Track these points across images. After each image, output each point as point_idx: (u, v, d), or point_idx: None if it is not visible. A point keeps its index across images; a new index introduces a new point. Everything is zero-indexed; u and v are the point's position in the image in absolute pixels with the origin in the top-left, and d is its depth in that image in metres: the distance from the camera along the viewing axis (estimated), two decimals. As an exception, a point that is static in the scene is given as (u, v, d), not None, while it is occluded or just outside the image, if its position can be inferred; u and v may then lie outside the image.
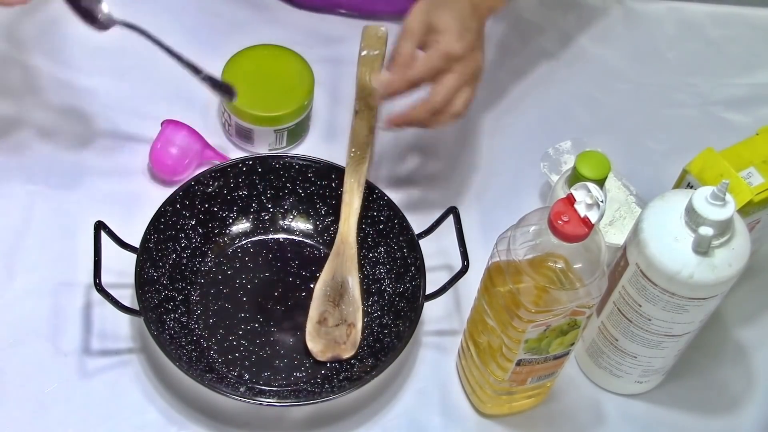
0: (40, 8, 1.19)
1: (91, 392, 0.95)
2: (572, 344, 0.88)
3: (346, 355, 0.97)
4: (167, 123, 1.07)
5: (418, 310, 0.96)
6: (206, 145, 1.07)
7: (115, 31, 1.19)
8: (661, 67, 1.25)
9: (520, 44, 1.23)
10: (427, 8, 0.97)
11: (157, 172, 1.07)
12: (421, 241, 1.00)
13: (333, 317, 0.98)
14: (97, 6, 0.99)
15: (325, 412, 0.96)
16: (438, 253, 1.03)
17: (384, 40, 1.04)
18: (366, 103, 1.04)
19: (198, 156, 1.07)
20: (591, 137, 1.12)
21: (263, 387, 0.96)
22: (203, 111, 1.13)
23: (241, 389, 0.94)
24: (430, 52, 0.95)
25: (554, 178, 1.07)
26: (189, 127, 1.07)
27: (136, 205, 1.05)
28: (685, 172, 0.96)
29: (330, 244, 1.03)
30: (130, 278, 0.96)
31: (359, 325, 0.98)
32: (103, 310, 0.97)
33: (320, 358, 0.97)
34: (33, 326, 0.98)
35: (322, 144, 1.12)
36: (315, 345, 0.97)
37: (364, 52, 1.03)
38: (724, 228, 0.83)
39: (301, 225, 1.05)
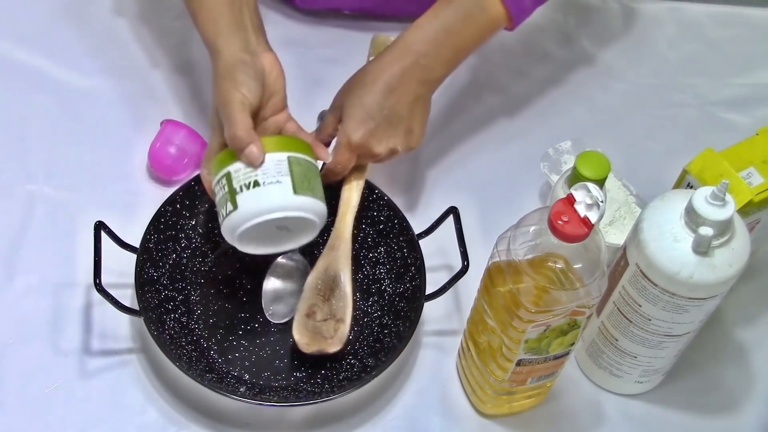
0: (40, 8, 1.20)
1: (91, 392, 0.95)
2: (572, 344, 0.88)
3: (332, 350, 0.97)
4: (166, 123, 1.07)
5: (418, 310, 0.96)
6: (205, 144, 1.07)
7: (116, 32, 1.20)
8: (661, 67, 1.25)
9: (521, 45, 1.23)
10: (342, 90, 0.99)
11: (156, 171, 1.07)
12: (421, 241, 1.00)
13: (322, 311, 0.98)
14: None
15: (325, 412, 0.96)
16: (438, 253, 1.04)
17: None
18: None
19: (197, 156, 1.07)
20: (591, 137, 1.12)
21: (263, 387, 0.96)
22: (203, 111, 1.13)
23: (241, 389, 0.94)
24: (336, 143, 0.98)
25: (554, 178, 1.08)
26: (188, 127, 1.07)
27: (136, 205, 1.05)
28: (685, 172, 0.96)
29: (330, 243, 1.03)
30: (130, 278, 0.96)
31: (348, 321, 0.98)
32: (103, 310, 0.97)
33: (305, 350, 0.97)
34: (33, 326, 0.98)
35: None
36: (301, 337, 0.97)
37: (372, 59, 1.03)
38: (724, 228, 0.83)
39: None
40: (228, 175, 0.89)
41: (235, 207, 0.88)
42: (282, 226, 0.91)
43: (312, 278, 0.99)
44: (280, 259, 1.02)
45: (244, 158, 0.88)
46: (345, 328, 0.97)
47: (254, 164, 0.88)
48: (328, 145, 1.00)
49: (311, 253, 1.03)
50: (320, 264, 1.00)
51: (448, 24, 0.99)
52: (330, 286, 0.99)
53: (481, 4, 0.99)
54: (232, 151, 0.89)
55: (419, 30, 0.99)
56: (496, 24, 1.01)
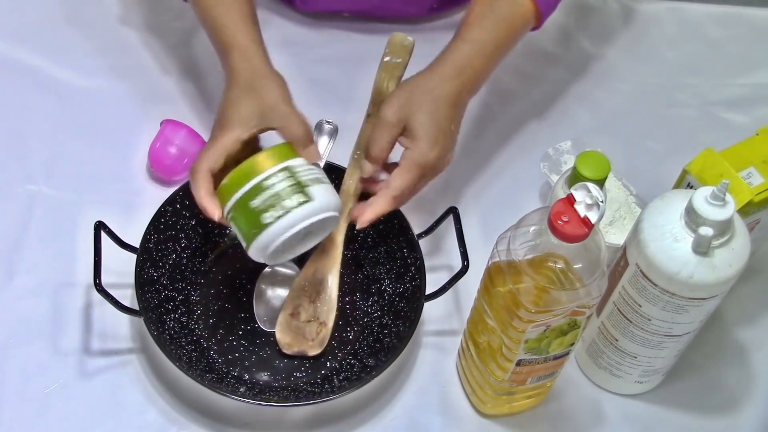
0: (40, 8, 1.20)
1: (91, 392, 0.95)
2: (572, 344, 0.88)
3: (312, 353, 0.97)
4: (166, 123, 1.07)
5: (418, 310, 0.96)
6: (205, 144, 1.07)
7: (116, 32, 1.20)
8: (661, 67, 1.25)
9: (521, 44, 1.23)
10: (404, 102, 0.94)
11: (156, 171, 1.07)
12: (421, 241, 1.00)
13: (306, 312, 0.98)
14: None
15: (325, 412, 0.96)
16: (438, 253, 1.04)
17: (409, 50, 1.04)
18: (379, 109, 1.04)
19: (197, 156, 1.07)
20: (591, 137, 1.12)
21: (263, 387, 0.96)
22: (203, 111, 1.13)
23: (241, 389, 0.94)
24: (404, 164, 0.93)
25: (554, 178, 1.07)
26: (188, 127, 1.07)
27: (136, 205, 1.05)
28: (685, 172, 0.96)
29: (330, 244, 1.03)
30: (130, 278, 0.96)
31: (330, 325, 0.98)
32: (103, 310, 0.97)
33: (286, 350, 0.97)
34: (33, 326, 0.98)
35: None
36: (283, 337, 0.98)
37: (387, 58, 1.03)
38: (724, 228, 0.83)
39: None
40: (290, 169, 0.88)
41: (309, 198, 0.87)
42: (316, 228, 0.90)
43: (299, 279, 0.99)
44: (269, 268, 1.02)
45: (305, 155, 0.89)
46: (327, 332, 0.98)
47: (315, 160, 0.90)
48: (381, 160, 0.96)
49: (303, 255, 1.02)
50: (309, 266, 1.00)
51: (495, 36, 0.98)
52: (317, 289, 0.99)
53: (518, 8, 1.00)
54: (288, 146, 0.89)
55: (471, 45, 0.97)
56: (528, 25, 1.02)
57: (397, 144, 0.96)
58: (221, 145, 0.90)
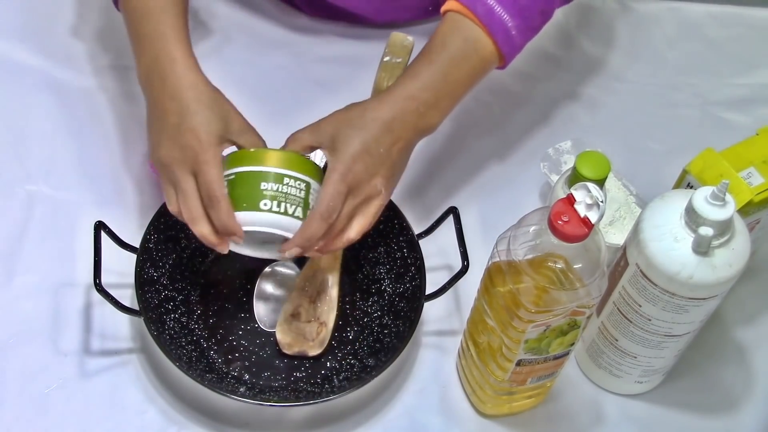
0: (41, 8, 1.20)
1: (91, 392, 0.95)
2: (572, 344, 0.88)
3: (313, 353, 0.97)
4: None
5: (418, 310, 0.96)
6: None
7: (116, 32, 1.20)
8: (661, 67, 1.25)
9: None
10: (341, 118, 0.93)
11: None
12: (421, 241, 1.00)
13: (307, 313, 0.98)
14: None
15: (325, 412, 0.96)
16: (438, 253, 1.04)
17: (409, 50, 1.04)
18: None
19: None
20: (591, 137, 1.12)
21: (263, 387, 0.96)
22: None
23: (241, 389, 0.94)
24: (327, 177, 0.90)
25: (554, 178, 1.07)
26: None
27: (136, 205, 1.05)
28: (685, 172, 0.96)
29: (330, 244, 1.03)
30: (130, 278, 0.96)
31: (330, 325, 0.98)
32: (103, 310, 0.97)
33: (286, 350, 0.97)
34: (33, 326, 0.98)
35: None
36: (284, 337, 0.98)
37: (386, 58, 1.03)
38: (724, 228, 0.83)
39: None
40: (309, 186, 0.90)
41: (302, 218, 0.89)
42: (278, 243, 0.92)
43: (300, 280, 1.00)
44: (269, 268, 1.02)
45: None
46: (327, 333, 0.98)
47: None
48: None
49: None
50: (309, 266, 1.00)
51: (444, 70, 0.95)
52: (317, 289, 0.99)
53: (475, 47, 0.96)
54: (317, 168, 0.91)
55: (417, 78, 0.95)
56: (489, 65, 0.98)
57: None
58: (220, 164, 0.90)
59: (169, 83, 0.92)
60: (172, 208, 0.91)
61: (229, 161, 0.91)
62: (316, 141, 0.93)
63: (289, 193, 0.89)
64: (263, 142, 0.94)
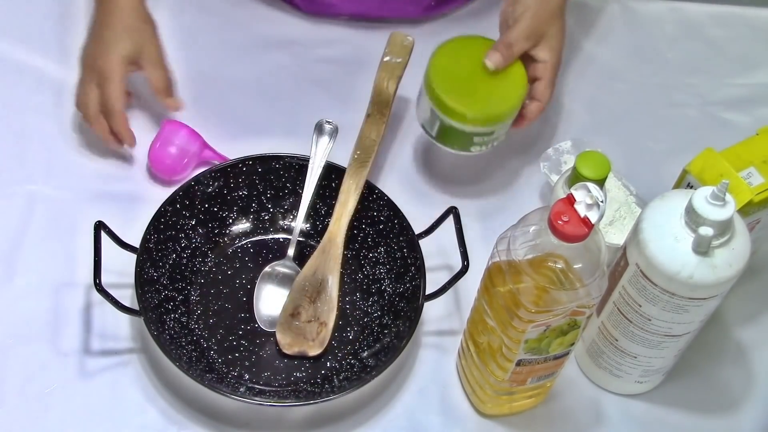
0: (40, 8, 1.19)
1: (91, 392, 0.95)
2: (572, 344, 0.88)
3: (313, 353, 0.97)
4: (166, 123, 1.07)
5: (418, 310, 0.96)
6: (205, 145, 1.07)
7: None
8: (661, 67, 1.25)
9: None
10: (539, 12, 1.03)
11: (156, 171, 1.07)
12: (421, 241, 1.00)
13: (307, 312, 0.98)
14: None
15: (325, 412, 0.96)
16: (438, 253, 1.04)
17: (409, 50, 1.04)
18: (379, 109, 1.04)
19: (197, 156, 1.07)
20: (591, 137, 1.12)
21: (263, 387, 0.96)
22: (203, 111, 1.13)
23: (241, 389, 0.94)
24: (548, 76, 1.04)
25: (554, 178, 1.07)
26: (188, 127, 1.07)
27: (136, 205, 1.05)
28: (685, 172, 0.96)
29: (330, 244, 1.03)
30: (130, 278, 0.96)
31: (331, 325, 0.98)
32: (103, 310, 0.97)
33: (286, 350, 0.97)
34: (33, 326, 0.98)
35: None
36: (283, 337, 0.98)
37: (387, 58, 1.03)
38: (724, 228, 0.83)
39: (302, 225, 1.05)
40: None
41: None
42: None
43: (300, 279, 1.00)
44: (269, 268, 1.02)
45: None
46: (327, 332, 0.98)
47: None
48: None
49: (303, 255, 1.03)
50: (310, 266, 1.00)
51: None
52: (317, 289, 0.99)
53: None
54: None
55: None
56: None
57: None
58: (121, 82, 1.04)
59: (109, 7, 1.06)
60: (76, 101, 1.07)
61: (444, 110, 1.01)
62: (531, 45, 1.03)
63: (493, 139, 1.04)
64: (170, 77, 1.07)
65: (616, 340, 0.94)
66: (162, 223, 1.00)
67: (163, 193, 1.02)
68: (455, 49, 1.04)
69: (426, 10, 1.22)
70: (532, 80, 1.04)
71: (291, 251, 1.03)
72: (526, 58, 1.04)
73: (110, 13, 1.06)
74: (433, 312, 1.01)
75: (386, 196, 1.03)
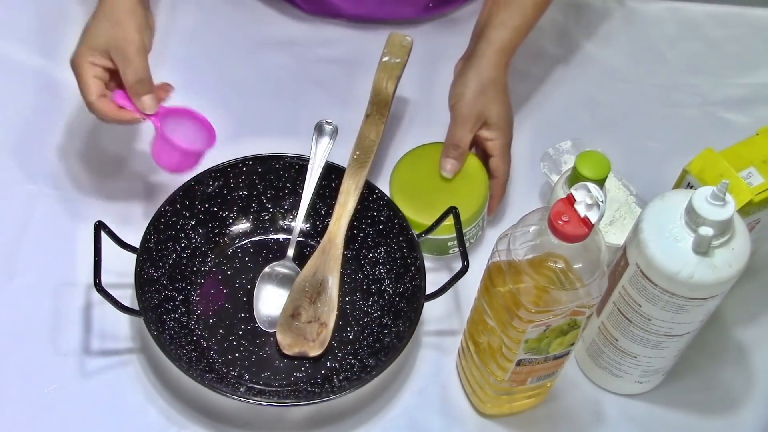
0: (40, 8, 1.20)
1: (91, 392, 0.95)
2: (572, 344, 0.88)
3: (313, 353, 0.97)
4: (165, 112, 1.00)
5: (418, 310, 0.96)
6: (213, 133, 1.01)
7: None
8: (661, 67, 1.25)
9: (521, 45, 1.23)
10: (476, 98, 1.03)
11: (162, 166, 1.02)
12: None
13: (307, 313, 0.98)
14: None
15: (325, 412, 0.96)
16: (438, 253, 1.04)
17: (408, 50, 1.04)
18: (378, 109, 1.04)
19: (204, 143, 1.01)
20: (591, 137, 1.12)
21: (263, 387, 0.96)
22: (205, 111, 1.12)
23: (241, 389, 0.94)
24: (499, 154, 1.05)
25: (554, 178, 1.08)
26: (191, 112, 1.01)
27: (136, 205, 1.05)
28: (685, 172, 0.96)
29: (330, 244, 1.03)
30: (130, 278, 0.96)
31: (331, 325, 0.98)
32: (103, 310, 0.97)
33: (287, 351, 0.97)
34: (33, 326, 0.98)
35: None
36: (284, 338, 0.98)
37: (385, 59, 1.03)
38: (724, 228, 0.83)
39: (301, 225, 1.05)
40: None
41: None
42: None
43: (300, 279, 1.00)
44: (269, 268, 1.02)
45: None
46: (328, 333, 0.98)
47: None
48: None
49: (303, 255, 1.03)
50: (309, 266, 1.00)
51: (528, 17, 1.06)
52: (317, 290, 0.99)
53: None
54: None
55: (510, 30, 1.05)
56: None
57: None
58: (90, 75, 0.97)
59: (102, 2, 1.00)
60: None
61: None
62: (473, 130, 1.04)
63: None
64: (143, 74, 0.97)
65: (616, 340, 0.94)
66: (162, 223, 1.00)
67: (163, 193, 1.02)
68: (412, 161, 1.06)
69: (425, 11, 1.22)
70: (486, 158, 1.06)
71: (291, 251, 1.03)
72: (476, 139, 1.06)
73: (102, 2, 1.00)
74: (433, 312, 1.01)
75: (386, 196, 1.03)
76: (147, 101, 0.97)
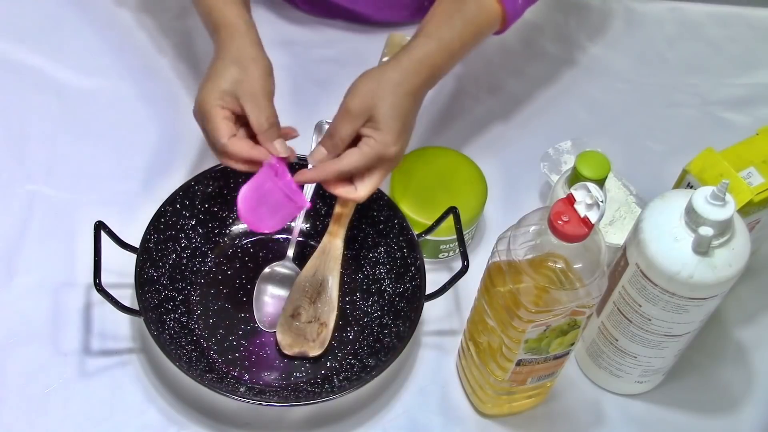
0: (40, 8, 1.20)
1: (91, 392, 0.95)
2: (572, 344, 0.88)
3: (313, 353, 0.97)
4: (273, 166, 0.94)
5: (418, 310, 0.96)
6: (299, 206, 0.95)
7: (116, 32, 1.20)
8: (661, 67, 1.25)
9: (521, 45, 1.23)
10: (371, 93, 0.93)
11: (243, 218, 0.95)
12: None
13: (307, 313, 0.98)
14: None
15: (325, 412, 0.96)
16: (438, 253, 1.04)
17: None
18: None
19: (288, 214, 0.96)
20: (591, 137, 1.12)
21: (263, 387, 0.96)
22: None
23: (241, 389, 0.94)
24: (364, 149, 0.93)
25: (554, 178, 1.08)
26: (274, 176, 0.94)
27: (136, 205, 1.05)
28: (685, 172, 0.96)
29: (330, 244, 1.03)
30: (130, 278, 0.96)
31: (331, 325, 0.98)
32: (103, 310, 0.97)
33: (287, 351, 0.97)
34: (33, 326, 0.98)
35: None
36: (284, 338, 0.98)
37: (385, 59, 1.03)
38: (724, 228, 0.83)
39: (301, 225, 1.05)
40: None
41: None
42: None
43: (300, 280, 1.00)
44: (269, 268, 1.02)
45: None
46: (328, 333, 0.98)
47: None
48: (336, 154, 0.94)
49: (303, 255, 1.03)
50: (310, 266, 1.00)
51: (461, 35, 0.98)
52: (317, 290, 0.99)
53: (481, 9, 0.99)
54: None
55: (436, 42, 0.97)
56: (493, 27, 1.01)
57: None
58: (221, 118, 0.93)
59: (223, 47, 0.96)
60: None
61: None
62: (355, 126, 0.93)
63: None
64: (272, 119, 0.94)
65: (616, 340, 0.94)
66: (162, 223, 1.00)
67: (163, 193, 1.02)
68: (412, 162, 1.05)
69: (422, 13, 1.22)
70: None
71: (291, 251, 1.03)
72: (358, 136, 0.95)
73: (224, 47, 0.96)
74: (433, 312, 1.01)
75: (386, 196, 1.03)
76: (279, 145, 0.93)
